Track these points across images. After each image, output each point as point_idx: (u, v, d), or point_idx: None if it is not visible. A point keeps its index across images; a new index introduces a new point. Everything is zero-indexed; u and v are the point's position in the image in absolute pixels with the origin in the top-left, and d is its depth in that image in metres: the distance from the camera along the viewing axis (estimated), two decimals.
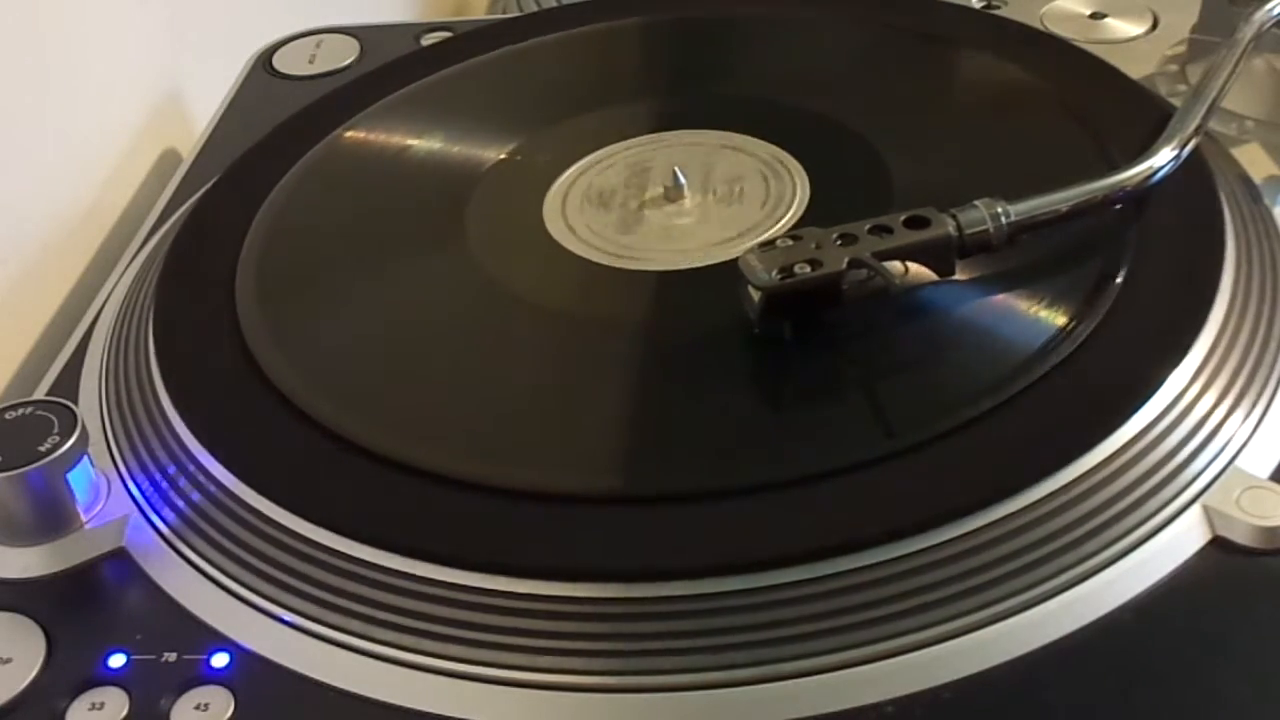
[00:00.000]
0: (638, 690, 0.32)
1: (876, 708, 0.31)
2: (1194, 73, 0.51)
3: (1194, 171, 0.43)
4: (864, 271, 0.38)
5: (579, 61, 0.57)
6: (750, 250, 0.39)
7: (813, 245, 0.39)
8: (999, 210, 0.39)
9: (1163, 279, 0.39)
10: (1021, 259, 0.40)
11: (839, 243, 0.39)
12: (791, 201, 0.45)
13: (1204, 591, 0.33)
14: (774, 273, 0.38)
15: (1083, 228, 0.41)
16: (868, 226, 0.39)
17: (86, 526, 0.38)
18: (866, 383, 0.38)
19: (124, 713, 0.33)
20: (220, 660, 0.34)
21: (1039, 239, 0.40)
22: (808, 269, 0.38)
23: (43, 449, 0.36)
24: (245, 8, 0.69)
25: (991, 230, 0.39)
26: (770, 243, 0.39)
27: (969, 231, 0.39)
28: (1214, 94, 0.44)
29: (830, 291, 0.38)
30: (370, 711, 0.33)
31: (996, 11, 0.57)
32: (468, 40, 0.58)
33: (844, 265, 0.38)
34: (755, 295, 0.38)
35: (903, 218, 0.39)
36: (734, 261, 0.39)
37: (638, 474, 0.37)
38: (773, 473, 0.35)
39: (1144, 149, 0.42)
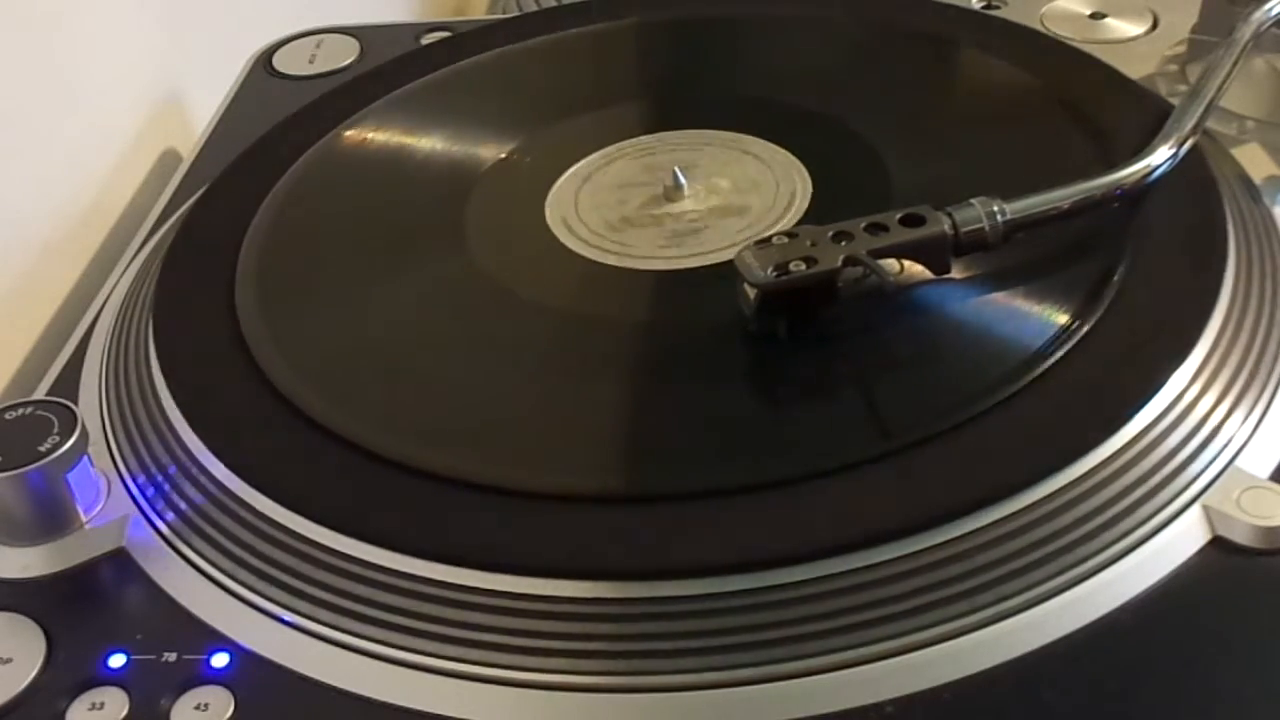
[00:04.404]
0: (638, 690, 0.32)
1: (876, 708, 0.31)
2: (1194, 73, 0.51)
3: (1194, 171, 0.43)
4: (859, 269, 0.38)
5: (579, 61, 0.57)
6: (746, 248, 0.39)
7: (808, 243, 0.39)
8: (995, 208, 0.39)
9: (1163, 279, 0.39)
10: (1020, 258, 0.40)
11: (835, 240, 0.39)
12: (792, 201, 0.45)
13: (1204, 591, 0.33)
14: (769, 270, 0.38)
15: (1083, 227, 0.41)
16: (863, 224, 0.39)
17: (86, 526, 0.38)
18: (863, 382, 0.38)
19: (124, 713, 0.33)
20: (220, 660, 0.34)
21: (1037, 238, 0.40)
22: (803, 266, 0.38)
23: (43, 449, 0.36)
24: (245, 8, 0.69)
25: (987, 228, 0.39)
26: (766, 240, 0.39)
27: (964, 229, 0.39)
28: (1212, 93, 0.44)
29: (826, 289, 0.38)
30: (370, 711, 0.33)
31: (996, 12, 0.57)
32: (468, 40, 0.58)
33: (839, 263, 0.38)
34: (751, 293, 0.38)
35: (898, 215, 0.39)
36: (731, 260, 0.39)
37: (636, 473, 0.37)
38: (771, 472, 0.35)
39: (1142, 149, 0.42)
